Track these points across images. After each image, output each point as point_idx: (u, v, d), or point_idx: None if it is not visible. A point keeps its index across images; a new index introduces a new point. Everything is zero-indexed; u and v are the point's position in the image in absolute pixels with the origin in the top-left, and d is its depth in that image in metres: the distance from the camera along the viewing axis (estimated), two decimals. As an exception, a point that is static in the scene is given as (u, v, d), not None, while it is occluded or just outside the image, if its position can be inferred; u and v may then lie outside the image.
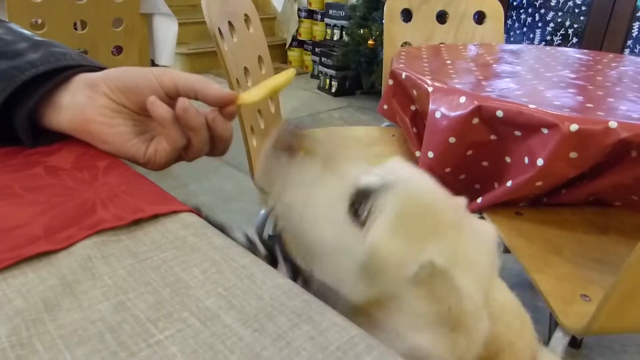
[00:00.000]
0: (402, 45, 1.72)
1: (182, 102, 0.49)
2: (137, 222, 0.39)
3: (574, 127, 0.87)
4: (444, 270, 0.40)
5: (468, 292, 0.40)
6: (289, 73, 0.51)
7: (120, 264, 0.34)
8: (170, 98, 0.51)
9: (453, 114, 1.00)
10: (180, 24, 2.31)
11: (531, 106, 0.92)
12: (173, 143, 0.50)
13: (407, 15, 1.73)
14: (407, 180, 0.44)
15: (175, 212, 0.41)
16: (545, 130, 0.91)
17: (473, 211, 1.11)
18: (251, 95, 0.52)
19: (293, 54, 4.32)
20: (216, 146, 0.54)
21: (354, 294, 0.41)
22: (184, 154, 0.53)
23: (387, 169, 0.46)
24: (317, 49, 3.89)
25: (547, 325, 1.43)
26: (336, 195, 0.43)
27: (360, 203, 0.42)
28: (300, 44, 4.26)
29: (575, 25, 2.94)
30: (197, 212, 0.42)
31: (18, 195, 0.43)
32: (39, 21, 1.86)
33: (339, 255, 0.42)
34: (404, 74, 1.20)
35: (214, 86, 0.50)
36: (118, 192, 0.44)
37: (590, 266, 0.94)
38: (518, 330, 0.44)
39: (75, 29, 1.92)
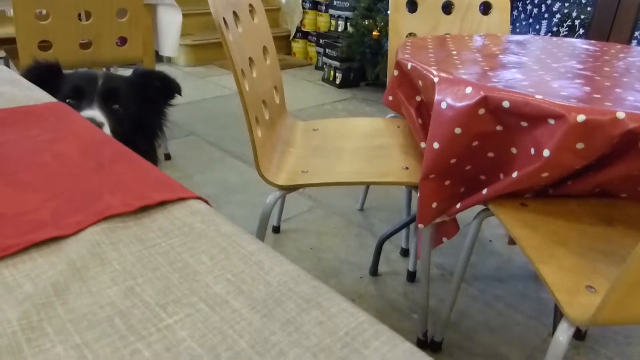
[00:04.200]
0: (407, 36, 1.71)
1: None
2: (144, 209, 0.39)
3: (580, 117, 0.86)
4: None
5: None
6: None
7: (129, 250, 0.34)
8: None
9: (459, 104, 1.00)
10: (184, 15, 2.30)
11: (537, 97, 0.92)
12: None
13: (412, 5, 1.72)
14: None
15: (182, 199, 0.41)
16: (551, 121, 0.90)
17: (478, 202, 1.11)
18: None
19: (297, 45, 4.31)
20: None
21: None
22: None
23: None
24: (321, 40, 3.87)
25: (552, 316, 1.43)
26: None
27: None
28: (305, 35, 4.24)
29: (582, 16, 2.91)
30: (205, 199, 0.42)
31: (25, 182, 0.43)
32: (44, 12, 1.86)
33: None
34: (409, 65, 1.19)
35: None
36: (125, 179, 0.44)
37: (596, 257, 0.94)
38: None
39: (80, 19, 1.92)
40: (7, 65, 2.59)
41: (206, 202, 0.41)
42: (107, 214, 0.38)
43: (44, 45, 1.90)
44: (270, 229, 1.77)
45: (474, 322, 1.40)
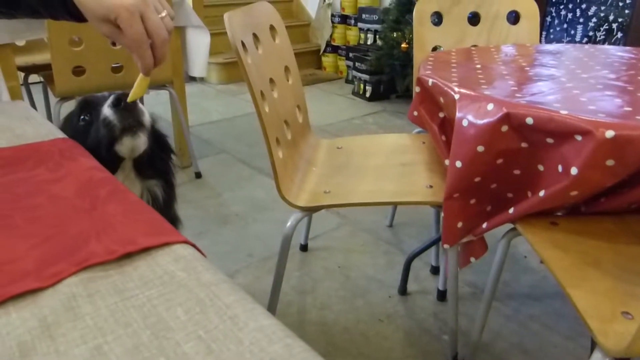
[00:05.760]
0: (433, 49, 1.68)
1: None
2: (128, 255, 0.38)
3: (609, 133, 0.81)
4: None
5: None
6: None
7: (104, 303, 0.33)
8: None
9: (480, 122, 0.96)
10: (216, 34, 2.33)
11: (563, 112, 0.87)
12: None
13: (437, 17, 1.69)
14: None
15: (167, 243, 0.40)
16: (578, 137, 0.85)
17: (506, 222, 1.07)
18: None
19: (327, 59, 4.32)
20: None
21: None
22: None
23: None
24: (350, 54, 3.86)
25: (591, 338, 1.36)
26: None
27: None
28: (335, 49, 4.25)
29: (620, 20, 2.80)
30: (192, 243, 0.40)
31: (17, 226, 0.43)
32: (77, 38, 1.92)
33: None
34: (430, 81, 1.16)
35: None
36: (114, 221, 0.43)
37: (633, 280, 0.88)
38: None
39: (113, 44, 1.98)
40: (45, 89, 2.69)
41: (193, 245, 0.40)
42: (89, 263, 0.37)
43: (78, 70, 1.96)
44: (297, 248, 1.76)
45: (507, 344, 1.34)
